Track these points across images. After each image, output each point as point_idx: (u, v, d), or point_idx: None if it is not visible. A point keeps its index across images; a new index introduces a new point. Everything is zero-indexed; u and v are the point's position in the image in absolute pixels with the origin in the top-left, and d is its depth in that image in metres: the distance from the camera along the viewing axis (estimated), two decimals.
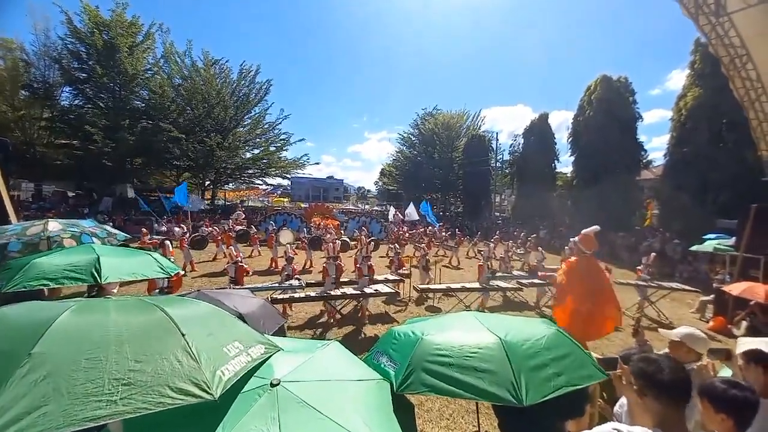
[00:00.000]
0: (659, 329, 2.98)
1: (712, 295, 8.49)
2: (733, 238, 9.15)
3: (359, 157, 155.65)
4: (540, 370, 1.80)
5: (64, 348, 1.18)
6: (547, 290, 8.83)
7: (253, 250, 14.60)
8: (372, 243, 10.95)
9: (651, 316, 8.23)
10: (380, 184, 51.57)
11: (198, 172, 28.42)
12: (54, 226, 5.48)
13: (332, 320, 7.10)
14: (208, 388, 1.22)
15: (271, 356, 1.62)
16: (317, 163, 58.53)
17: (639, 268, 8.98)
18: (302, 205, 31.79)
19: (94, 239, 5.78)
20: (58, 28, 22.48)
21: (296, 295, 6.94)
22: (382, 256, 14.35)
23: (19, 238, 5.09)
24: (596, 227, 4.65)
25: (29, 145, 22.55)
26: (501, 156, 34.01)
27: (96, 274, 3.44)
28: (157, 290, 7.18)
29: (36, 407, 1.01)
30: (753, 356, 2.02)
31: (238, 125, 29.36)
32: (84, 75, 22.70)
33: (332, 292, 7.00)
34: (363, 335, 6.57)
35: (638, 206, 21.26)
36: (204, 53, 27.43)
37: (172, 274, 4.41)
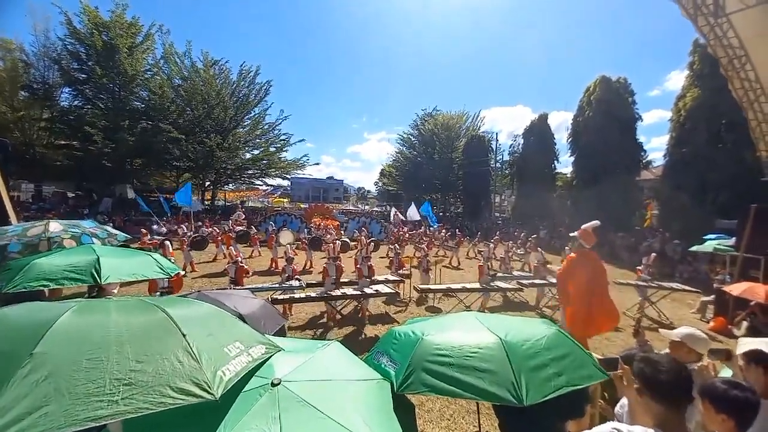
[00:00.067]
0: (660, 329, 2.98)
1: (712, 296, 8.50)
2: (733, 239, 9.16)
3: (359, 158, 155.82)
4: (540, 370, 1.80)
5: (65, 348, 1.18)
6: (547, 291, 8.84)
7: (253, 251, 14.61)
8: (372, 243, 10.96)
9: (651, 317, 8.23)
10: (380, 184, 51.59)
11: (198, 173, 28.43)
12: (55, 226, 5.48)
13: (332, 322, 7.09)
14: (210, 388, 1.22)
15: (271, 356, 1.62)
16: (317, 164, 58.70)
17: (639, 268, 8.98)
18: (302, 206, 31.76)
19: (94, 240, 5.77)
20: (57, 29, 22.60)
21: (296, 296, 6.94)
22: (382, 257, 14.35)
23: (19, 239, 5.08)
24: (596, 222, 4.72)
25: (29, 146, 22.56)
26: (501, 156, 34.16)
27: (96, 275, 3.44)
28: (158, 292, 7.16)
29: (37, 407, 1.01)
30: (754, 357, 2.02)
31: (237, 126, 29.38)
32: (83, 76, 22.72)
33: (332, 293, 7.00)
34: (363, 335, 6.57)
35: (638, 206, 21.26)
36: (204, 54, 27.52)
37: (172, 275, 4.41)
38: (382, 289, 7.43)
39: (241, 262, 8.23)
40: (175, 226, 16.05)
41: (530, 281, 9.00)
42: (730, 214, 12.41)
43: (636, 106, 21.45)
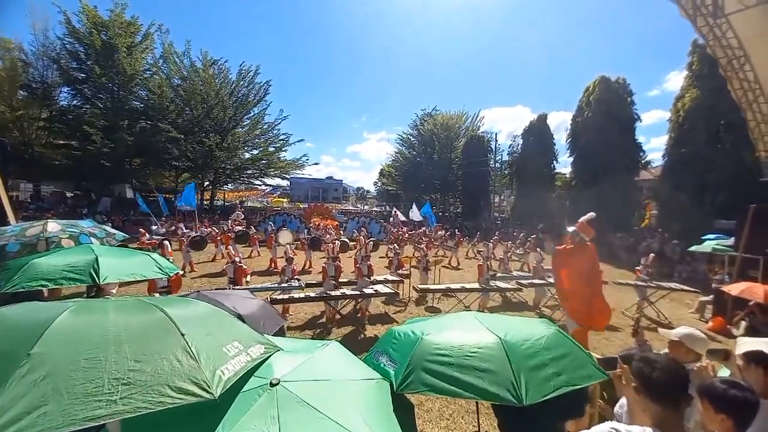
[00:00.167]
0: (659, 329, 2.99)
1: (711, 296, 8.51)
2: (732, 239, 9.18)
3: (358, 158, 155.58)
4: (540, 370, 1.80)
5: (63, 348, 1.18)
6: (547, 291, 8.84)
7: (252, 251, 14.59)
8: (371, 243, 10.95)
9: (650, 317, 8.24)
10: (379, 184, 51.56)
11: (197, 173, 28.41)
12: (53, 226, 5.45)
13: (332, 323, 7.09)
14: (208, 387, 1.22)
15: (270, 356, 1.62)
16: (316, 164, 58.56)
17: (638, 268, 8.99)
18: (301, 206, 31.79)
19: (93, 239, 5.75)
20: (56, 28, 22.54)
21: (296, 296, 6.94)
22: (381, 257, 14.34)
23: (18, 238, 5.06)
24: (591, 214, 4.82)
25: (27, 146, 22.49)
26: (500, 156, 34.18)
27: (94, 275, 3.43)
28: (157, 292, 7.15)
29: (35, 407, 1.01)
30: (753, 357, 2.02)
31: (237, 126, 29.36)
32: (82, 75, 22.70)
33: (332, 293, 7.00)
34: (363, 335, 6.56)
35: (637, 207, 21.31)
36: (203, 53, 27.53)
37: (171, 275, 4.41)
38: (382, 289, 7.43)
39: (240, 262, 8.22)
40: (173, 227, 16.02)
41: (529, 281, 9.01)
42: (729, 214, 12.44)
43: (635, 107, 21.57)
